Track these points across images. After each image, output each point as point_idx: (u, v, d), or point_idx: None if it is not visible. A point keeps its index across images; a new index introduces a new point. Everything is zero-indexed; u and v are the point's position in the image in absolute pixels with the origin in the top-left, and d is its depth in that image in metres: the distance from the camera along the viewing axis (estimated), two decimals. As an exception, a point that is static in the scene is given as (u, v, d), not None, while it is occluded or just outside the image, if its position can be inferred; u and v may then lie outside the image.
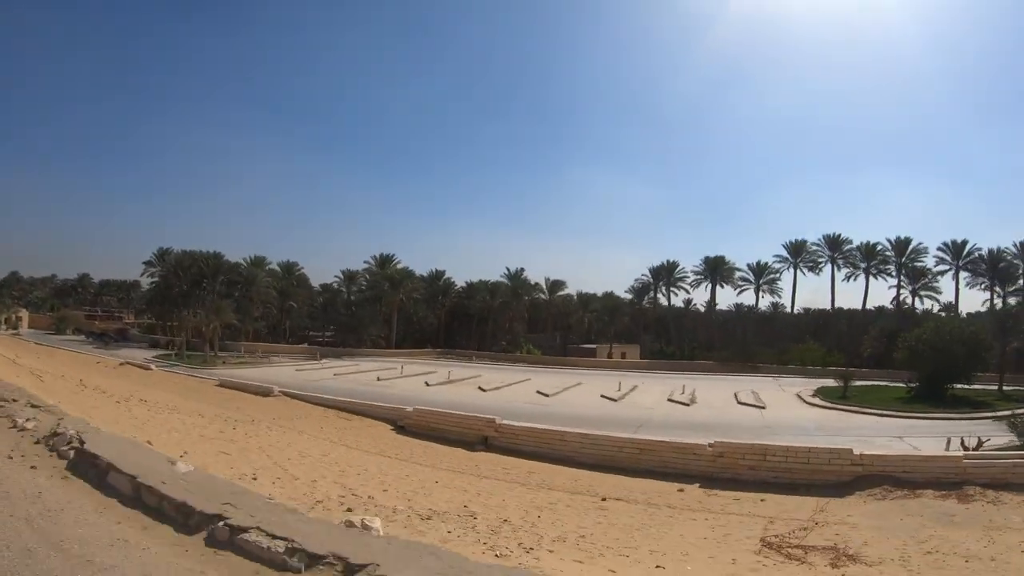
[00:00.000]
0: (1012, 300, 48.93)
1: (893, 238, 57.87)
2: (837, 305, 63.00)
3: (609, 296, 73.17)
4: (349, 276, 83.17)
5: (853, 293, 65.09)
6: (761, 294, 65.31)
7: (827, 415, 27.52)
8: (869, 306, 61.41)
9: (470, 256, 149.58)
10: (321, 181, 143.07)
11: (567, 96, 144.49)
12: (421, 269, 77.80)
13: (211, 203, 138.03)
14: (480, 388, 34.04)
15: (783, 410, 28.80)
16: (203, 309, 58.95)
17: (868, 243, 58.10)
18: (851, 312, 61.81)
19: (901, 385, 34.30)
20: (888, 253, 57.44)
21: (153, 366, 34.19)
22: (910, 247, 56.71)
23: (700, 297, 71.35)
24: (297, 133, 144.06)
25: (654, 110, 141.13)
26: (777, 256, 63.76)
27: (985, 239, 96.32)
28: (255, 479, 9.08)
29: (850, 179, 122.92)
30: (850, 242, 59.45)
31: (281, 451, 12.55)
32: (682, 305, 72.11)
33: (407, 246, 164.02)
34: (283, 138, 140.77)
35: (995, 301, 52.52)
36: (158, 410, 15.97)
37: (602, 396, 32.08)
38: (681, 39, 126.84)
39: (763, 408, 28.97)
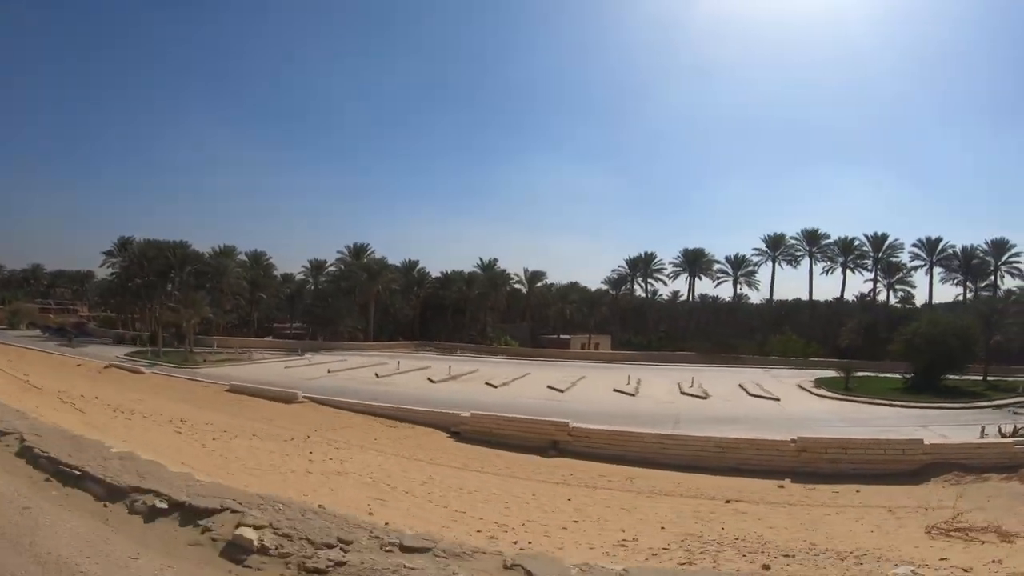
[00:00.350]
0: (984, 295, 51.77)
1: (871, 233, 60.49)
2: (810, 298, 65.35)
3: (576, 287, 74.24)
4: (316, 266, 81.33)
5: (825, 286, 67.08)
6: (739, 286, 67.06)
7: (841, 406, 28.38)
8: (833, 298, 64.44)
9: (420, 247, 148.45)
10: (275, 170, 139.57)
11: (525, 88, 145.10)
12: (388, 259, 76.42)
13: (168, 193, 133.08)
14: (489, 384, 33.48)
15: (796, 402, 29.54)
16: (177, 302, 56.42)
17: (846, 238, 60.52)
18: (826, 304, 64.15)
19: (892, 376, 35.78)
20: (865, 248, 59.83)
21: (144, 368, 31.96)
22: (886, 243, 59.31)
23: (671, 289, 73.29)
24: (258, 122, 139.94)
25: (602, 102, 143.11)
26: (756, 249, 65.84)
27: (935, 232, 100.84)
28: (447, 528, 7.99)
29: (799, 174, 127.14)
30: (828, 236, 61.76)
31: (393, 476, 11.81)
32: (667, 297, 73.58)
33: (366, 236, 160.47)
34: (240, 127, 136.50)
35: (967, 296, 55.67)
36: (204, 432, 15.06)
37: (616, 391, 32.11)
38: (651, 38, 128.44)
39: (778, 400, 29.66)
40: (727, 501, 11.61)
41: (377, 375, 36.52)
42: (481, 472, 13.30)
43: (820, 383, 35.03)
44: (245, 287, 70.86)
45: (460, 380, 35.40)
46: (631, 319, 69.71)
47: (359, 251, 74.13)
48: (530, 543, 7.42)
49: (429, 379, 35.09)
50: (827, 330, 58.18)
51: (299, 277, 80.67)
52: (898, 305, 60.21)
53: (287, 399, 23.08)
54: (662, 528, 9.08)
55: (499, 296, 70.09)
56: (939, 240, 57.69)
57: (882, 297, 61.27)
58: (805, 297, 66.06)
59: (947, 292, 60.40)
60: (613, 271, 72.60)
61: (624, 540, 7.91)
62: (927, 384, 32.60)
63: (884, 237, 59.32)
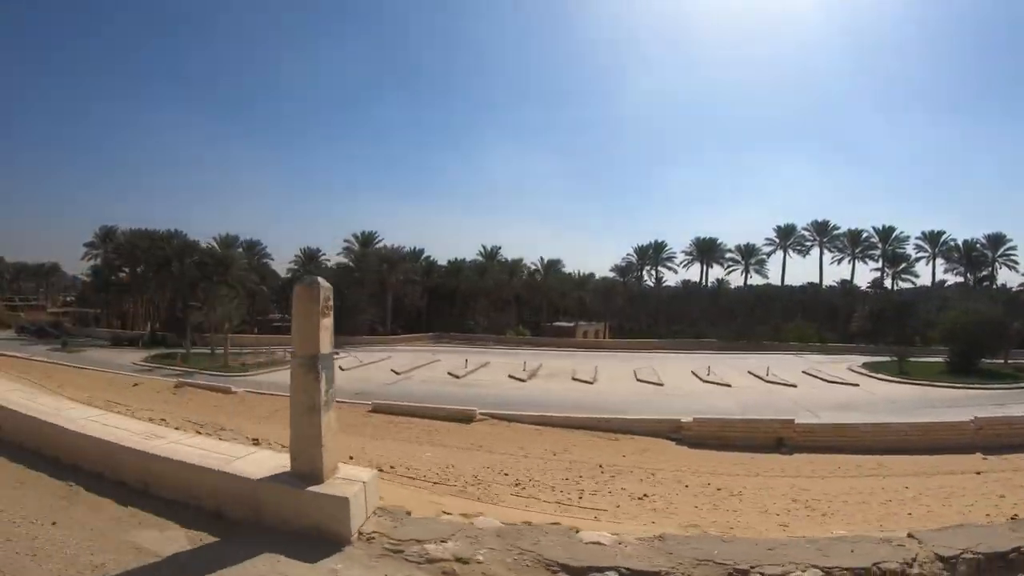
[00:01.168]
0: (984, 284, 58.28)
1: (880, 226, 66.75)
2: (820, 284, 70.57)
3: (588, 277, 77.10)
4: (309, 256, 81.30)
5: (818, 273, 72.70)
6: (749, 274, 71.90)
7: (914, 389, 32.30)
8: (837, 282, 70.21)
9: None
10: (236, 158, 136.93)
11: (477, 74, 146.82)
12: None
13: (131, 180, 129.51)
14: (579, 380, 35.22)
15: (871, 387, 33.15)
16: (205, 299, 53.81)
17: (854, 229, 66.19)
18: (831, 291, 69.78)
19: (931, 360, 40.32)
20: (873, 239, 65.44)
21: (234, 388, 27.85)
22: (893, 235, 65.21)
23: (680, 277, 77.52)
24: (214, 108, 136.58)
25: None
26: (767, 239, 70.73)
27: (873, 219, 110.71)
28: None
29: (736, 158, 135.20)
30: (838, 228, 67.28)
31: (744, 494, 12.83)
32: (676, 285, 77.61)
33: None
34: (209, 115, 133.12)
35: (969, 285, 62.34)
36: (459, 470, 13.88)
37: (705, 380, 34.97)
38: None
39: (856, 386, 33.36)
40: (978, 472, 14.84)
41: (455, 375, 37.36)
42: (796, 477, 14.94)
43: (873, 368, 39.16)
44: (254, 279, 70.11)
45: (542, 376, 37.14)
46: (640, 306, 73.25)
47: (367, 240, 74.61)
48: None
49: (513, 377, 36.38)
50: (833, 316, 63.44)
51: (291, 267, 79.63)
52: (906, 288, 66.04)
53: (464, 418, 21.30)
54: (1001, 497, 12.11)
55: (515, 285, 71.90)
56: (941, 233, 64.48)
57: (886, 286, 67.30)
58: (801, 284, 71.62)
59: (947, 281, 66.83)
60: (623, 259, 76.52)
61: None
62: (965, 367, 37.20)
63: (891, 229, 65.76)
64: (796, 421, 19.16)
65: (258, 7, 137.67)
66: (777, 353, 52.95)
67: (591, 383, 34.58)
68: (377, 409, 22.73)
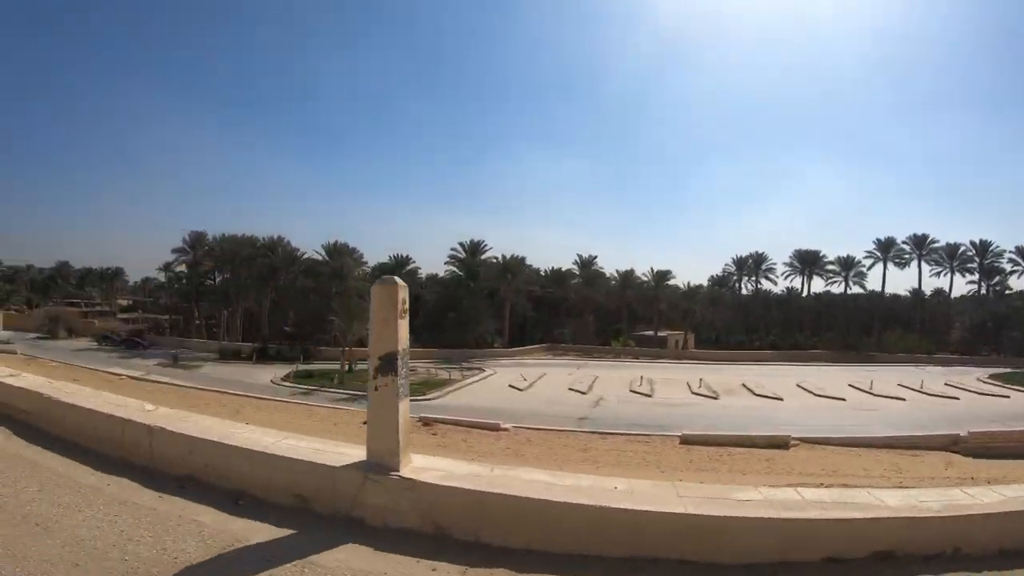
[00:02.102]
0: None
1: (977, 240, 73.27)
2: (920, 297, 76.52)
3: (697, 288, 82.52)
4: (399, 262, 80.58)
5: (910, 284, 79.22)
6: (849, 285, 78.54)
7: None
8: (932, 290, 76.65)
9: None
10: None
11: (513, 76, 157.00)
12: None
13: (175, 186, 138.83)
14: (762, 395, 40.05)
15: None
16: (345, 311, 53.11)
17: (952, 243, 73.12)
18: (927, 302, 76.48)
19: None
20: (970, 252, 72.21)
21: (501, 423, 27.34)
22: (989, 249, 71.94)
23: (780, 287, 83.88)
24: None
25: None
26: (867, 252, 77.34)
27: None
28: None
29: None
30: (936, 241, 74.26)
31: None
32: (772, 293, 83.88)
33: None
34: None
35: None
36: None
37: (876, 394, 40.42)
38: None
39: (1007, 397, 39.27)
40: None
41: (641, 392, 41.13)
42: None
43: (1006, 379, 45.45)
44: (367, 290, 73.21)
45: (724, 392, 41.40)
46: (741, 318, 79.37)
47: (475, 249, 77.44)
48: None
49: (699, 393, 40.81)
50: (932, 327, 69.73)
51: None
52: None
53: (780, 444, 21.77)
54: None
55: (630, 295, 77.32)
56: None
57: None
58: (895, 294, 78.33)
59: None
60: (723, 269, 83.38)
61: None
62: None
63: (988, 244, 72.36)
64: None
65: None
66: (892, 365, 57.68)
67: (780, 399, 38.85)
68: (687, 440, 23.09)
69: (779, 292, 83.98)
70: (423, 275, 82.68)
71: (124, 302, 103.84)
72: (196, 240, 78.04)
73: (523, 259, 77.07)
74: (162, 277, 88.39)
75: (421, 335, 61.31)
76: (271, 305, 76.06)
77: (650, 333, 77.25)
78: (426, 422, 27.11)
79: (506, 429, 27.01)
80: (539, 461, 18.10)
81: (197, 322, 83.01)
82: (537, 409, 33.68)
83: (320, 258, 74.94)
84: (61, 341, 66.09)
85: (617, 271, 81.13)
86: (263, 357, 57.41)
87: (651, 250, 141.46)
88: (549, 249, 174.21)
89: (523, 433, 26.69)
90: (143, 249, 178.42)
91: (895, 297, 79.20)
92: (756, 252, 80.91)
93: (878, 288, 77.89)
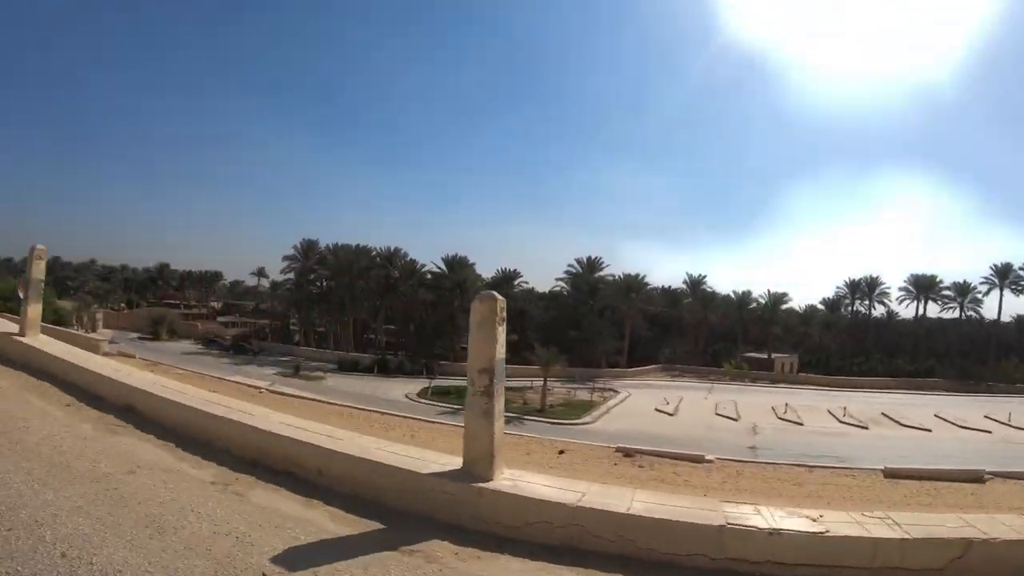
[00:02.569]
0: None
1: None
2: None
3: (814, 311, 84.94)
4: (507, 277, 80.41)
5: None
6: (964, 311, 79.84)
7: None
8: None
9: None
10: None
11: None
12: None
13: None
14: (910, 426, 40.94)
15: None
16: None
17: None
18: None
19: None
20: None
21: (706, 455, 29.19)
22: None
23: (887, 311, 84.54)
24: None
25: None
26: (983, 278, 78.08)
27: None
28: None
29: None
30: None
31: None
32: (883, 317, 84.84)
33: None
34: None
35: None
36: None
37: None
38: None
39: None
40: None
41: (796, 421, 41.63)
42: None
43: None
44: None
45: (880, 424, 42.15)
46: (853, 343, 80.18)
47: (592, 265, 78.43)
48: None
49: (850, 423, 42.15)
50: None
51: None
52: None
53: (974, 478, 20.38)
54: None
55: (745, 318, 79.87)
56: None
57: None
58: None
59: None
60: (836, 292, 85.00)
61: None
62: None
63: None
64: None
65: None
66: (1015, 396, 56.53)
67: (928, 431, 39.32)
68: (891, 474, 20.01)
69: (878, 316, 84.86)
70: (530, 289, 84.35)
71: (216, 305, 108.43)
72: (308, 248, 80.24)
73: (643, 277, 77.98)
74: (252, 282, 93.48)
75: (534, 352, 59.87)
76: (388, 315, 79.24)
77: (757, 355, 78.14)
78: (626, 453, 27.97)
79: (711, 460, 30.45)
80: (755, 495, 19.99)
81: (300, 329, 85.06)
82: (697, 435, 33.76)
83: (438, 271, 76.95)
84: (164, 342, 66.65)
85: (734, 292, 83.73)
86: (383, 370, 58.42)
87: (729, 265, 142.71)
88: (649, 266, 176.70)
89: (731, 465, 30.01)
90: (234, 254, 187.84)
91: (994, 323, 79.15)
92: (870, 276, 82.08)
93: (992, 315, 78.55)
